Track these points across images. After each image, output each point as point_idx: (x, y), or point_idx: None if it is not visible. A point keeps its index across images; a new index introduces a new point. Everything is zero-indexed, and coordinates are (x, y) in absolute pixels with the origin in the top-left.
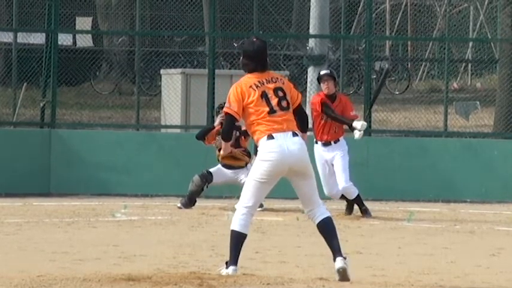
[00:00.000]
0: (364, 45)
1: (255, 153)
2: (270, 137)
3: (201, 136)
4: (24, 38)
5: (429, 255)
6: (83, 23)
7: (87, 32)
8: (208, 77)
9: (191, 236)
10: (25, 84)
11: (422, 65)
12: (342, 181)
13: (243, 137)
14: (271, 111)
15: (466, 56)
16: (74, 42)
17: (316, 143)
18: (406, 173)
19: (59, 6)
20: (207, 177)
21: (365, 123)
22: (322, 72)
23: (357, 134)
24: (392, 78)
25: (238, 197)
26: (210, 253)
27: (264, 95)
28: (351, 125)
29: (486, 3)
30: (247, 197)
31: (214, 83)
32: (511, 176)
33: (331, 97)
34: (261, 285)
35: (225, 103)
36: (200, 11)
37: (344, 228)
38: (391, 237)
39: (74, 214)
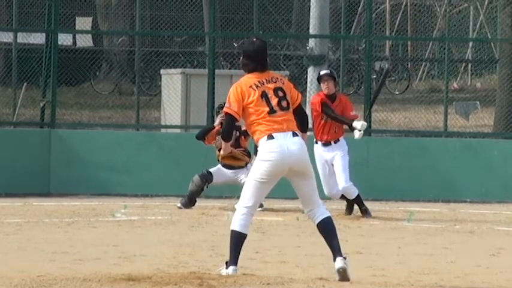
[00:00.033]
0: (364, 45)
1: (255, 153)
2: (270, 137)
3: (201, 136)
4: (24, 38)
5: (429, 255)
6: (83, 23)
7: (87, 32)
8: (208, 77)
9: (191, 236)
10: (25, 84)
11: (422, 65)
12: (342, 181)
13: (243, 137)
14: (271, 111)
15: (466, 56)
16: (74, 42)
17: (316, 143)
18: (406, 173)
19: (59, 6)
20: (207, 177)
21: (365, 123)
22: (322, 72)
23: (357, 134)
24: (392, 78)
25: (238, 197)
26: (210, 253)
27: (264, 95)
28: (351, 125)
29: (486, 3)
30: (247, 197)
31: (214, 83)
32: (511, 176)
33: (331, 97)
34: (261, 285)
35: (225, 103)
36: (200, 11)
37: (344, 228)
38: (391, 237)
39: (74, 214)
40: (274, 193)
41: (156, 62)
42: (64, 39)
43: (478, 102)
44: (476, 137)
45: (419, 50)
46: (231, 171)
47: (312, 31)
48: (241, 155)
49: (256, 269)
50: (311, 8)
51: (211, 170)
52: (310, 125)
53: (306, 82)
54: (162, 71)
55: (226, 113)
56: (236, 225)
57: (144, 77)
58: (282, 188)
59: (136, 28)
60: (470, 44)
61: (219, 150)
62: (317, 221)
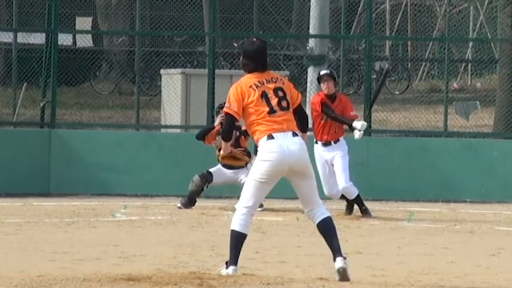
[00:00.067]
0: (364, 45)
1: (255, 153)
2: (270, 137)
3: (201, 136)
4: (24, 38)
5: (429, 255)
6: (83, 23)
7: (87, 32)
8: (208, 77)
9: (191, 236)
10: (25, 84)
11: (422, 65)
12: (342, 181)
13: (243, 137)
14: (271, 111)
15: (466, 56)
16: (74, 42)
17: (316, 143)
18: (406, 173)
19: (59, 6)
20: (207, 177)
21: (365, 123)
22: (322, 72)
23: (357, 134)
24: (392, 78)
25: (238, 197)
26: (210, 253)
27: (264, 95)
28: (351, 125)
29: (486, 3)
30: (247, 197)
31: (214, 83)
32: (511, 176)
33: (331, 97)
34: (261, 285)
35: (225, 103)
36: (200, 11)
37: (344, 228)
38: (391, 237)
39: (74, 214)
40: (274, 193)
41: (156, 62)
42: (64, 39)
43: (478, 102)
44: (476, 137)
45: (419, 50)
46: (231, 171)
47: (312, 31)
48: (241, 155)
49: (256, 269)
50: (311, 8)
51: (211, 170)
52: (310, 125)
53: (306, 82)
54: (162, 71)
55: (226, 113)
56: (236, 225)
57: (144, 77)
58: (282, 188)
59: (136, 28)
60: (470, 44)
61: (219, 150)
62: (317, 221)
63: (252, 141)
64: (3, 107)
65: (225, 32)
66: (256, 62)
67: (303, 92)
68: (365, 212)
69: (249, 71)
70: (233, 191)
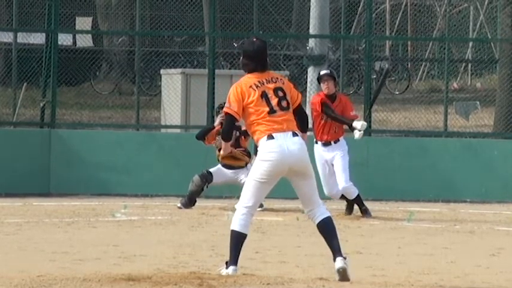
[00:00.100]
0: (364, 45)
1: (255, 153)
2: (270, 137)
3: (201, 136)
4: (24, 38)
5: (429, 255)
6: (83, 23)
7: (87, 32)
8: (208, 77)
9: (191, 236)
10: (25, 84)
11: (422, 65)
12: (342, 181)
13: (243, 137)
14: (271, 111)
15: (466, 56)
16: (74, 42)
17: (316, 143)
18: (406, 173)
19: (59, 6)
20: (207, 177)
21: (365, 123)
22: (322, 72)
23: (357, 134)
24: (392, 78)
25: (238, 197)
26: (210, 253)
27: (264, 95)
28: (351, 125)
29: (486, 3)
30: (247, 197)
31: (214, 83)
32: (511, 176)
33: (331, 97)
34: (261, 285)
35: (225, 103)
36: (200, 11)
37: (344, 228)
38: (391, 237)
39: (74, 214)
40: (274, 193)
41: (156, 62)
42: (64, 39)
43: (478, 102)
44: (476, 137)
45: (419, 50)
46: (231, 171)
47: (312, 31)
48: (241, 155)
49: (256, 269)
50: (311, 8)
51: (211, 170)
52: (310, 125)
53: (306, 82)
54: (162, 71)
55: (226, 113)
56: (236, 225)
57: (144, 77)
58: (282, 188)
59: (136, 28)
60: (470, 44)
61: (219, 150)
62: (317, 221)
63: (252, 141)
64: (3, 107)
65: (225, 32)
66: (256, 62)
67: (303, 92)
68: (365, 212)
69: (249, 71)
70: (233, 191)
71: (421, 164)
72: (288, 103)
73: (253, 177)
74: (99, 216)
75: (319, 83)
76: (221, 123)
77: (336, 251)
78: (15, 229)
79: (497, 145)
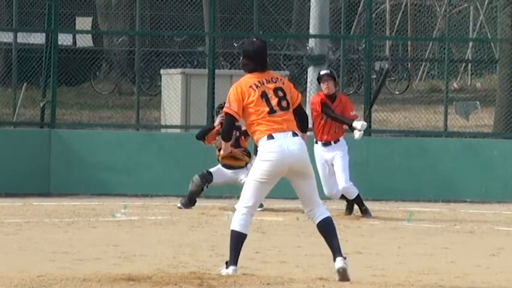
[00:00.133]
0: (364, 45)
1: (255, 153)
2: (270, 137)
3: (201, 136)
4: (24, 38)
5: (429, 255)
6: (83, 23)
7: (87, 32)
8: (208, 77)
9: (191, 236)
10: (25, 84)
11: (422, 65)
12: (342, 181)
13: (243, 137)
14: (271, 111)
15: (466, 56)
16: (74, 42)
17: (316, 143)
18: (406, 173)
19: (59, 6)
20: (207, 177)
21: (365, 123)
22: (322, 72)
23: (357, 134)
24: (392, 78)
25: (238, 197)
26: (210, 253)
27: (264, 95)
28: (351, 125)
29: (486, 3)
30: (247, 197)
31: (214, 83)
32: (511, 176)
33: (331, 97)
34: (261, 285)
35: (225, 103)
36: (200, 11)
37: (344, 228)
38: (391, 237)
39: (74, 214)
40: (274, 193)
41: (156, 62)
42: (64, 39)
43: (478, 102)
44: (476, 137)
45: (419, 50)
46: (231, 171)
47: (312, 31)
48: (241, 155)
49: (256, 269)
50: (311, 8)
51: (211, 170)
52: (310, 125)
53: (306, 82)
54: (162, 71)
55: (226, 113)
56: (236, 225)
57: (144, 77)
58: (282, 188)
59: (136, 28)
60: (470, 44)
61: (219, 150)
62: (317, 221)
63: (252, 141)
64: (3, 107)
65: (225, 32)
66: (256, 62)
67: (303, 92)
68: (365, 212)
69: (249, 71)
70: (233, 191)
71: (421, 164)
72: (288, 103)
73: (253, 177)
74: (99, 216)
75: (319, 83)
76: (221, 123)
77: (336, 251)
78: (15, 229)
79: (497, 145)
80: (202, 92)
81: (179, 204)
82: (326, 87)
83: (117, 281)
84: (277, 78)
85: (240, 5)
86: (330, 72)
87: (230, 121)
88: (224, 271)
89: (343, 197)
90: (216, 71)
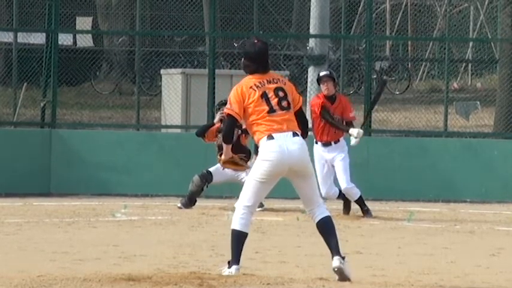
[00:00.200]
0: (364, 45)
1: (256, 153)
2: (270, 137)
3: (201, 133)
4: (24, 38)
5: (429, 255)
6: (83, 23)
7: (87, 32)
8: (208, 77)
9: (191, 236)
10: (25, 84)
11: (423, 65)
12: (344, 182)
13: (243, 136)
14: (271, 111)
15: (466, 56)
16: (74, 42)
17: (316, 143)
18: (406, 173)
19: (59, 6)
20: (207, 177)
21: (361, 130)
22: (321, 74)
23: (353, 141)
24: (393, 78)
25: (238, 197)
26: (210, 253)
27: (264, 95)
28: (348, 131)
29: (486, 3)
30: (247, 196)
31: (214, 83)
32: (511, 176)
33: (331, 98)
34: (261, 285)
35: (225, 100)
36: (200, 11)
37: (344, 228)
38: (391, 237)
39: (74, 214)
40: (274, 193)
41: (156, 62)
42: (64, 39)
43: (478, 102)
44: (476, 137)
45: (419, 50)
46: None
47: (312, 31)
48: (241, 161)
49: (256, 269)
50: (311, 8)
51: (210, 169)
52: (310, 125)
53: (306, 82)
54: (162, 71)
55: (228, 114)
56: (237, 224)
57: (144, 77)
58: (282, 188)
59: (136, 28)
60: (471, 44)
61: (220, 155)
62: (316, 220)
63: (252, 141)
64: (4, 107)
65: (225, 32)
66: (258, 63)
67: (303, 91)
68: (366, 213)
69: (250, 73)
70: (233, 190)
71: (421, 164)
72: (288, 103)
73: (253, 177)
74: (99, 216)
75: (319, 84)
76: (221, 120)
77: (334, 250)
78: (15, 229)
79: (497, 145)
80: (203, 92)
81: (179, 204)
82: (326, 88)
83: (117, 281)
84: (278, 79)
85: (240, 5)
86: (330, 73)
87: (231, 122)
88: (227, 271)
89: (340, 197)
90: (216, 71)
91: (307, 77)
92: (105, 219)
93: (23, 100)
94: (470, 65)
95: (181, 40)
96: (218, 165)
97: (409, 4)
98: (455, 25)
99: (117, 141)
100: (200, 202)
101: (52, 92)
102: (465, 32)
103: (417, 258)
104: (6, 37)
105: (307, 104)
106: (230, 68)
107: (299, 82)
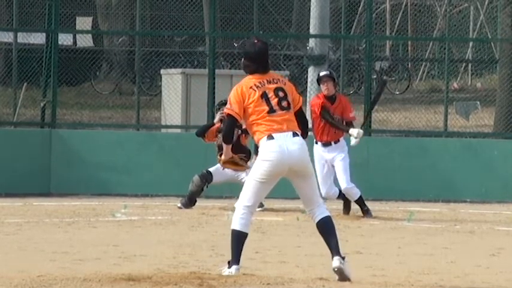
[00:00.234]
0: (364, 45)
1: (256, 152)
2: (270, 137)
3: (201, 133)
4: (24, 38)
5: (429, 255)
6: (83, 23)
7: (87, 32)
8: (208, 77)
9: (191, 236)
10: (25, 84)
11: (423, 65)
12: (344, 183)
13: (243, 135)
14: (271, 111)
15: (466, 56)
16: (74, 42)
17: (316, 143)
18: (406, 173)
19: (59, 6)
20: (207, 177)
21: (361, 131)
22: (321, 74)
23: (353, 141)
24: (393, 78)
25: (238, 197)
26: (210, 253)
27: (264, 95)
28: (348, 131)
29: (486, 3)
30: (247, 196)
31: (214, 83)
32: (511, 176)
33: (331, 98)
34: (261, 285)
35: (225, 100)
36: (200, 11)
37: (344, 228)
38: (391, 237)
39: (74, 214)
40: (274, 193)
41: (156, 62)
42: (64, 39)
43: (478, 102)
44: (476, 137)
45: (419, 50)
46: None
47: (312, 31)
48: (241, 161)
49: (256, 269)
50: (311, 8)
51: (210, 169)
52: (310, 126)
53: (306, 82)
54: (162, 71)
55: (228, 114)
56: (237, 224)
57: (144, 77)
58: (282, 188)
59: (136, 28)
60: (471, 44)
61: (220, 155)
62: (316, 220)
63: (252, 140)
64: (4, 107)
65: (225, 32)
66: (258, 63)
67: (303, 91)
68: (366, 213)
69: (251, 73)
70: (233, 190)
71: (421, 164)
72: (288, 103)
73: (253, 177)
74: (99, 216)
75: (319, 84)
76: (221, 120)
77: (334, 250)
78: (15, 229)
79: (497, 145)
80: (203, 92)
81: (179, 204)
82: (326, 88)
83: (117, 281)
84: (278, 79)
85: (240, 5)
86: (330, 73)
87: (231, 122)
88: (227, 271)
89: (339, 197)
90: (216, 71)
91: (307, 77)
92: (105, 219)
93: (23, 100)
94: (470, 65)
95: (181, 40)
96: (218, 165)
97: (409, 4)
98: (455, 25)
99: (117, 141)
100: (200, 202)
101: (52, 92)
102: (465, 32)
103: (417, 258)
104: (6, 37)
105: (307, 104)
106: (230, 68)
107: (299, 82)
